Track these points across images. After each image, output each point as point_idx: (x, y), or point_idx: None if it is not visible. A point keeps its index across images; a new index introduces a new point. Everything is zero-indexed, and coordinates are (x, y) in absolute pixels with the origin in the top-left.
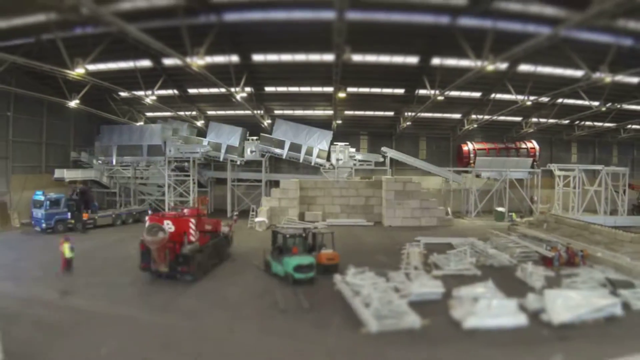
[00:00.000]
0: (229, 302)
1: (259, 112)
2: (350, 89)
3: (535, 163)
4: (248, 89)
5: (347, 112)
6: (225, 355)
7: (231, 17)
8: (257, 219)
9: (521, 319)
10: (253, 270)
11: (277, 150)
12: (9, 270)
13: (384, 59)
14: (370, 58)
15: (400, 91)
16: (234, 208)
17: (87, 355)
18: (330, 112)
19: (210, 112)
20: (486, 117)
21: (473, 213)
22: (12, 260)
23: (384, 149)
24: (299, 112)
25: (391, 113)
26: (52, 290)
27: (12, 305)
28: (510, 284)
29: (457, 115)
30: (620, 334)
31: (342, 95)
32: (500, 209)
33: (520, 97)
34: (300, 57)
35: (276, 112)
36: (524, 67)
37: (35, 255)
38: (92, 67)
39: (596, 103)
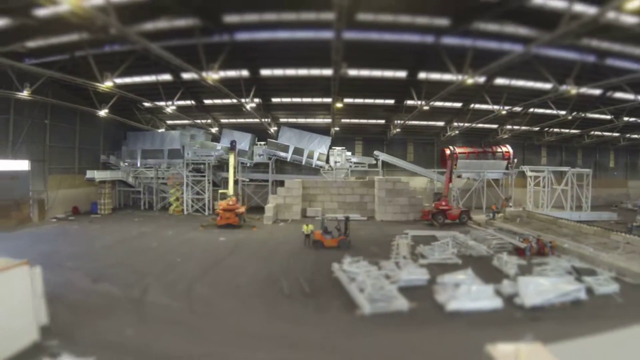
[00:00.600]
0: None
1: (266, 120)
2: (347, 100)
3: (509, 165)
4: (257, 100)
5: (343, 120)
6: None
7: (242, 36)
8: (265, 215)
9: (497, 303)
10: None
11: (282, 154)
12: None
13: (376, 73)
14: (364, 72)
15: (391, 102)
16: (244, 204)
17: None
18: (329, 120)
19: (223, 120)
20: (466, 124)
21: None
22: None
23: (376, 152)
24: (301, 120)
25: (383, 121)
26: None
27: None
28: (487, 271)
29: (441, 123)
30: (584, 315)
31: (339, 105)
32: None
33: (496, 107)
34: (302, 72)
35: (281, 120)
36: (499, 81)
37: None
38: (119, 81)
39: (563, 112)
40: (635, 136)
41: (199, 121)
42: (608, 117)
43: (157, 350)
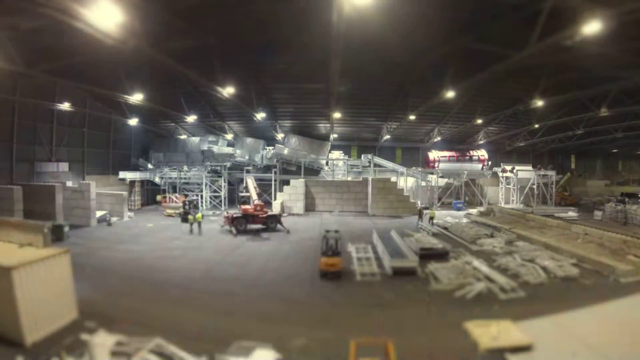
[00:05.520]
0: None
1: (274, 127)
2: (344, 110)
3: (484, 167)
4: (266, 110)
5: (341, 128)
6: None
7: (253, 55)
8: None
9: None
10: None
11: (288, 157)
12: None
13: (369, 87)
14: (359, 86)
15: (382, 112)
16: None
17: None
18: (328, 127)
19: (236, 128)
20: (447, 132)
21: (437, 205)
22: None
23: (369, 156)
24: (304, 127)
25: (374, 128)
26: None
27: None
28: None
29: (425, 130)
30: (548, 296)
31: (337, 115)
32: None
33: (473, 116)
34: (305, 86)
35: (287, 127)
36: (475, 94)
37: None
38: (147, 94)
39: (531, 121)
40: (593, 142)
41: (215, 129)
42: (569, 125)
43: None
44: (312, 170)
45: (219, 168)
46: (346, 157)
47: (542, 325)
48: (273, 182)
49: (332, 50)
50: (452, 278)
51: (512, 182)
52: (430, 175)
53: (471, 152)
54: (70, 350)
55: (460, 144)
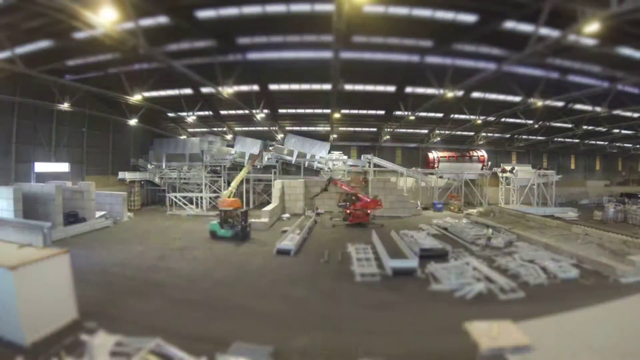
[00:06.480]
0: None
1: (274, 128)
2: (344, 111)
3: (484, 167)
4: (265, 111)
5: (341, 128)
6: None
7: (253, 56)
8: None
9: None
10: None
11: (288, 157)
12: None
13: (369, 87)
14: (359, 87)
15: (381, 112)
16: (254, 201)
17: None
18: (328, 128)
19: (236, 128)
20: (447, 132)
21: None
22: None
23: (368, 156)
24: (304, 128)
25: (374, 129)
26: None
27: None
28: None
29: (425, 131)
30: (549, 297)
31: (337, 115)
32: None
33: (472, 117)
34: (305, 86)
35: (287, 128)
36: (475, 94)
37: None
38: (146, 94)
39: (530, 121)
40: (592, 142)
41: (215, 129)
42: (569, 125)
43: None
44: (312, 171)
45: (218, 168)
46: (346, 158)
47: (542, 325)
48: (273, 183)
49: (332, 50)
50: (452, 278)
51: (512, 183)
52: (430, 175)
53: (471, 152)
54: (70, 351)
55: (460, 144)
